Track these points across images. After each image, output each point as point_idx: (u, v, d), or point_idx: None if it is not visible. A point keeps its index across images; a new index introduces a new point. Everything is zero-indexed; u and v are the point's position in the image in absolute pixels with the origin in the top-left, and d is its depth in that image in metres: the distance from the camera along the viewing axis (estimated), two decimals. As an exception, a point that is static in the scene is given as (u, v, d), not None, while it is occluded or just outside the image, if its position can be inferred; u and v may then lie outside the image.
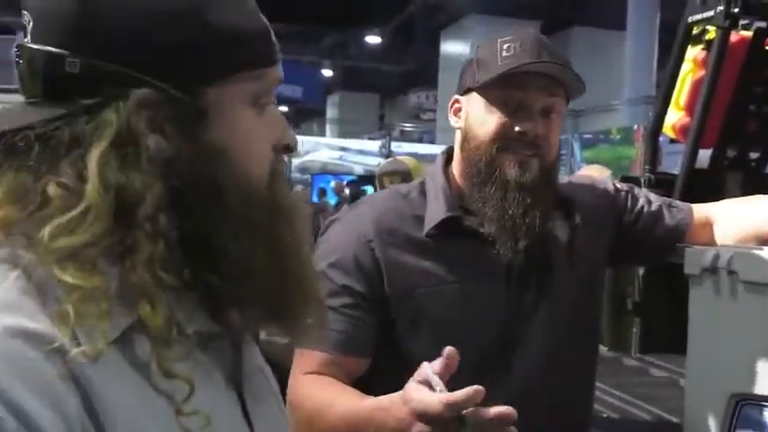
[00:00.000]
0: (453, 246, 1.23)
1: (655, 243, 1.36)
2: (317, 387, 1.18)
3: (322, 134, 19.61)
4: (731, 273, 1.17)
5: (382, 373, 1.19)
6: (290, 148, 0.72)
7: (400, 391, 0.99)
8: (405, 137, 16.24)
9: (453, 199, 1.26)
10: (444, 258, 1.23)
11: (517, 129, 1.21)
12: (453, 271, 1.23)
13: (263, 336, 2.76)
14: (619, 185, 1.42)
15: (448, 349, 0.94)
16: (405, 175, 3.57)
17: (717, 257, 1.19)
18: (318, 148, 12.91)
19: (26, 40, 0.63)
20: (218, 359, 0.68)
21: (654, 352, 1.99)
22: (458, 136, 1.30)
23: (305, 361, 1.20)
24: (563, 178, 1.42)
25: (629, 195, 1.38)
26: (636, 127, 8.98)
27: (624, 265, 1.79)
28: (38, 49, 0.61)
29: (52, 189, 0.58)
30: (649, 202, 1.37)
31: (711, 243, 1.32)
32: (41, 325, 0.55)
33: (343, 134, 17.03)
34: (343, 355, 1.19)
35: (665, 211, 1.36)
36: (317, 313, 0.73)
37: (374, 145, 13.58)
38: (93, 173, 0.58)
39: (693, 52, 2.16)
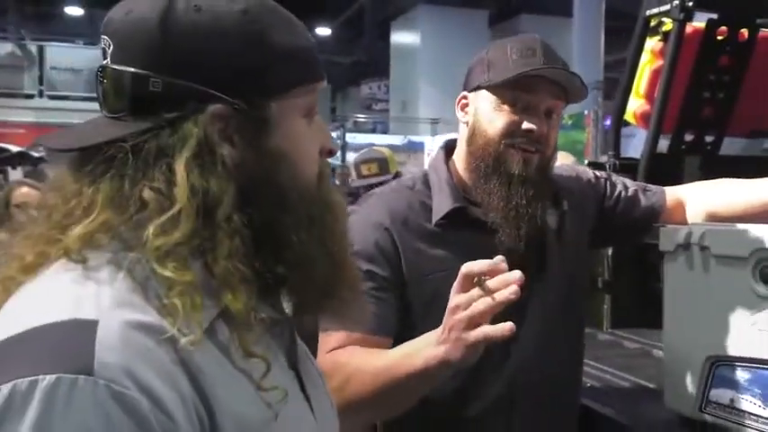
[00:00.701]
0: (459, 234, 1.33)
1: (633, 224, 1.48)
2: (347, 354, 1.24)
3: (274, 127, 19.48)
4: (703, 248, 1.29)
5: None
6: (332, 152, 0.81)
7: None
8: (358, 128, 16.26)
9: (457, 191, 1.36)
10: (452, 246, 1.32)
11: (524, 127, 1.31)
12: (461, 257, 1.31)
13: None
14: (598, 174, 1.54)
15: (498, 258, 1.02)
16: (381, 162, 3.64)
17: (690, 234, 1.31)
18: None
19: (107, 61, 0.70)
20: (280, 343, 0.77)
21: (624, 327, 2.11)
22: (463, 130, 1.39)
23: (331, 341, 1.26)
24: None
25: (608, 182, 1.50)
26: (586, 112, 9.18)
27: (606, 245, 1.91)
28: (123, 71, 0.69)
29: (147, 193, 0.66)
30: (626, 188, 1.50)
31: (683, 222, 1.45)
32: (152, 318, 0.63)
33: (296, 127, 16.93)
34: (372, 335, 1.25)
35: (641, 195, 1.49)
36: (359, 297, 0.83)
37: (329, 137, 13.58)
38: (181, 179, 0.66)
39: (651, 43, 2.29)
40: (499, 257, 1.02)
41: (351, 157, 12.03)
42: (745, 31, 2.22)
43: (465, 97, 1.40)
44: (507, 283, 1.01)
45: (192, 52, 0.69)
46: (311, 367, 0.85)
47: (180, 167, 0.66)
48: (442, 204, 1.34)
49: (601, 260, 2.25)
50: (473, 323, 1.02)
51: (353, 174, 3.90)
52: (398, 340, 1.30)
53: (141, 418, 0.58)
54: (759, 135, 2.42)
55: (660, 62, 2.23)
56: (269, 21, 0.72)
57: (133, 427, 0.57)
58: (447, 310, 1.05)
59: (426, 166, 1.51)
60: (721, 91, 2.29)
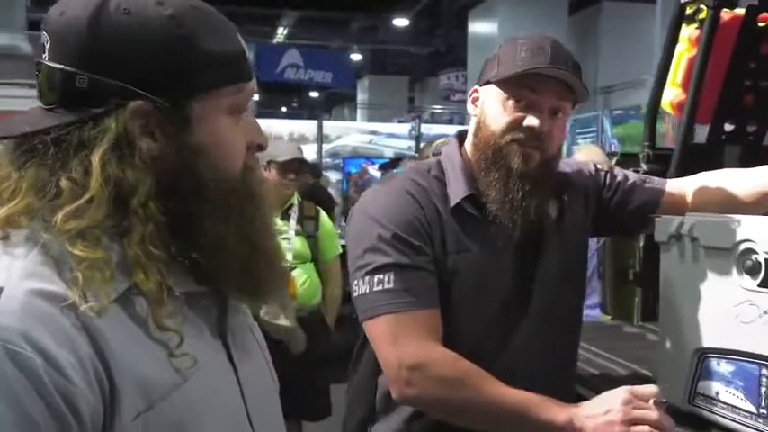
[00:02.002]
0: (473, 221, 1.37)
1: (631, 215, 1.48)
2: (461, 360, 1.28)
3: (353, 119, 19.68)
4: (693, 239, 1.28)
5: None
6: (262, 147, 0.87)
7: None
8: (435, 119, 16.24)
9: (469, 178, 1.39)
10: (465, 231, 1.36)
11: (526, 123, 1.34)
12: (472, 243, 1.36)
13: (266, 317, 2.94)
14: (599, 166, 1.54)
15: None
16: None
17: (681, 225, 1.30)
18: (349, 133, 12.96)
19: (44, 57, 0.78)
20: (206, 315, 0.84)
21: (654, 319, 2.08)
22: (472, 123, 1.43)
23: (409, 324, 1.29)
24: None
25: (608, 174, 1.51)
26: (664, 102, 8.87)
27: (607, 235, 1.90)
28: (54, 67, 0.76)
29: (64, 182, 0.74)
30: (626, 179, 1.50)
31: (683, 213, 1.43)
32: (57, 287, 0.70)
33: (373, 118, 17.09)
34: (435, 308, 1.31)
35: (640, 187, 1.48)
36: (280, 282, 0.89)
37: (404, 128, 13.62)
38: (95, 169, 0.73)
39: (688, 31, 2.23)
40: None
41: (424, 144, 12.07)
42: (788, 18, 2.14)
43: (476, 91, 1.43)
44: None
45: (118, 52, 0.75)
46: (251, 340, 0.92)
47: (96, 159, 0.74)
48: (456, 191, 1.38)
49: (632, 252, 2.23)
50: (634, 421, 1.14)
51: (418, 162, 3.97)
52: None
53: (34, 374, 0.65)
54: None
55: (697, 50, 2.17)
56: (195, 25, 0.78)
57: (25, 381, 0.65)
58: (617, 402, 1.17)
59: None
60: (764, 79, 2.21)
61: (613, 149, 8.98)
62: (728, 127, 2.28)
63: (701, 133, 2.32)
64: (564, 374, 1.46)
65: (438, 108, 16.72)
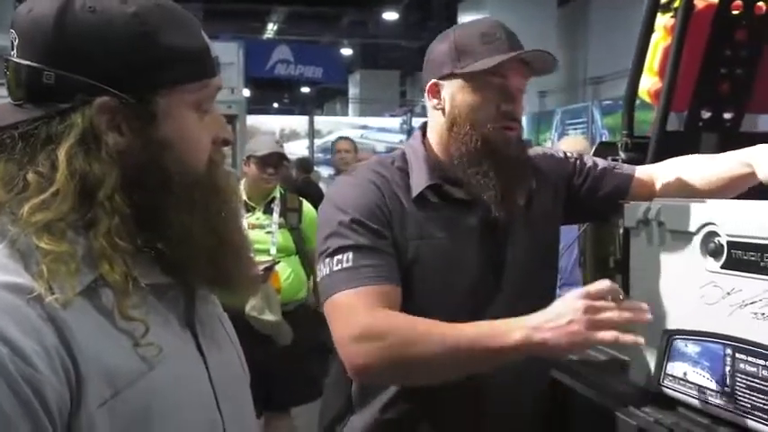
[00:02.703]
0: (436, 210, 1.39)
1: (601, 201, 1.51)
2: (402, 316, 1.27)
3: (345, 113, 19.69)
4: (660, 223, 1.30)
5: None
6: (227, 142, 0.90)
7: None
8: (426, 112, 16.27)
9: (433, 169, 1.41)
10: (429, 219, 1.39)
11: (503, 109, 1.38)
12: (438, 229, 1.38)
13: (252, 312, 2.96)
14: (568, 153, 1.57)
15: None
16: None
17: (648, 210, 1.33)
18: (340, 128, 13.01)
19: (13, 54, 0.80)
20: (173, 306, 0.86)
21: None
22: (437, 116, 1.44)
23: (363, 298, 1.28)
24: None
25: (578, 161, 1.53)
26: (653, 91, 8.91)
27: (578, 221, 1.93)
28: (21, 63, 0.78)
29: (31, 176, 0.76)
30: (595, 166, 1.52)
31: (652, 199, 1.46)
32: (23, 280, 0.73)
33: (365, 112, 17.10)
34: (395, 285, 1.32)
35: (609, 173, 1.51)
36: (247, 273, 0.92)
37: (395, 122, 13.66)
38: (62, 163, 0.76)
39: (663, 20, 2.26)
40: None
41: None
42: (762, 5, 2.16)
43: (436, 84, 1.43)
44: (640, 310, 1.17)
45: (83, 49, 0.77)
46: (219, 330, 0.94)
47: (62, 153, 0.76)
48: (419, 181, 1.40)
49: (612, 239, 2.25)
50: (595, 327, 1.14)
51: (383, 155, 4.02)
52: None
53: None
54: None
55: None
56: (158, 22, 0.80)
57: None
58: (569, 302, 1.17)
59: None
60: (739, 66, 2.23)
61: (604, 140, 9.02)
62: (705, 114, 2.30)
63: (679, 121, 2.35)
64: (538, 360, 1.48)
65: (429, 101, 16.72)
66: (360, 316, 1.26)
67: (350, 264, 1.29)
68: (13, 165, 0.77)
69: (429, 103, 1.46)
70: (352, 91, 19.93)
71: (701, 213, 1.21)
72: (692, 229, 1.22)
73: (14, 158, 0.77)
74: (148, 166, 0.81)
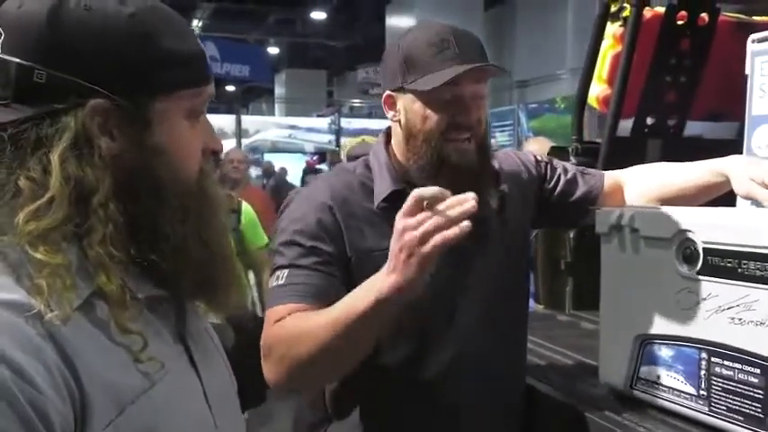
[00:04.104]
0: None
1: (571, 207, 1.52)
2: (286, 324, 1.27)
3: (271, 113, 19.50)
4: (634, 230, 1.33)
5: None
6: (216, 152, 0.87)
7: None
8: (354, 113, 16.27)
9: (397, 174, 1.40)
10: (393, 227, 1.36)
11: (458, 120, 1.35)
12: None
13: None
14: (539, 158, 1.58)
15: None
16: None
17: (621, 216, 1.35)
18: (268, 127, 12.89)
19: None
20: (165, 319, 0.83)
21: (585, 308, 2.15)
22: (396, 127, 1.42)
23: (277, 314, 1.29)
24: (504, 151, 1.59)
25: (549, 166, 1.54)
26: (578, 96, 9.18)
27: (548, 226, 1.95)
28: (9, 60, 0.73)
29: (23, 182, 0.71)
30: (566, 171, 1.54)
31: (621, 205, 1.49)
32: (19, 296, 0.68)
33: (291, 112, 16.98)
34: (318, 305, 1.28)
35: (580, 179, 1.53)
36: (236, 286, 0.89)
37: (324, 122, 13.61)
38: (55, 168, 0.71)
39: (612, 29, 2.31)
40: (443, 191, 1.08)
41: (346, 141, 12.13)
42: (705, 16, 2.24)
43: (391, 96, 1.41)
44: (461, 201, 1.07)
45: (77, 48, 0.73)
46: (208, 343, 0.91)
47: (55, 157, 0.71)
48: (382, 187, 1.39)
49: (563, 243, 2.29)
50: (424, 241, 1.07)
51: (345, 162, 4.00)
52: None
53: (2, 385, 0.63)
54: (718, 119, 2.45)
55: (621, 47, 2.25)
56: (156, 25, 0.77)
57: None
58: (394, 235, 1.11)
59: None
60: (683, 75, 2.31)
61: (554, 144, 9.28)
62: (650, 121, 2.37)
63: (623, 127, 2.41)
64: (514, 363, 1.50)
65: (357, 102, 16.73)
66: (263, 334, 1.30)
67: (282, 282, 1.32)
68: (2, 169, 0.72)
69: (387, 113, 1.44)
70: (279, 90, 19.75)
71: (676, 220, 1.24)
72: (668, 235, 1.25)
73: (4, 162, 0.72)
74: (141, 173, 0.77)
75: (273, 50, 18.46)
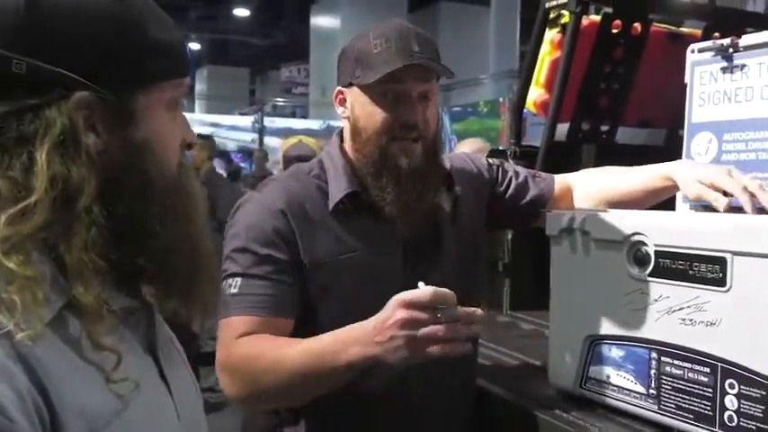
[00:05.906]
0: (356, 219, 1.36)
1: (522, 209, 1.54)
2: (255, 345, 1.25)
3: (191, 110, 19.07)
4: (584, 233, 1.35)
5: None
6: (191, 146, 0.83)
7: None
8: (277, 111, 16.11)
9: (351, 176, 1.38)
10: (349, 230, 1.35)
11: (403, 119, 1.33)
12: (357, 242, 1.35)
13: None
14: (491, 161, 1.59)
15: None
16: (311, 159, 3.66)
17: (572, 219, 1.37)
18: (190, 125, 12.60)
19: None
20: (136, 330, 0.78)
21: (522, 309, 2.19)
22: (346, 125, 1.41)
23: (234, 327, 1.28)
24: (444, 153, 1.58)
25: (500, 169, 1.56)
26: (501, 100, 9.40)
27: (499, 228, 1.98)
28: None
29: (2, 182, 0.65)
30: (517, 174, 1.56)
31: (571, 208, 1.52)
32: None
33: (213, 110, 16.67)
34: (274, 316, 1.28)
35: (531, 182, 1.55)
36: (217, 283, 0.85)
37: (247, 120, 13.41)
38: (41, 169, 0.65)
39: (551, 35, 2.36)
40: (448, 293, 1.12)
41: (269, 141, 11.97)
42: (638, 25, 2.32)
43: (341, 92, 1.41)
44: (472, 318, 1.11)
45: (60, 37, 0.68)
46: (174, 353, 0.87)
47: (41, 157, 0.66)
48: (337, 190, 1.37)
49: (501, 244, 2.32)
50: (422, 342, 1.10)
51: (281, 165, 3.95)
52: (299, 321, 1.32)
53: None
54: (647, 125, 2.53)
55: (559, 53, 2.30)
56: (142, 12, 0.73)
57: None
58: (391, 316, 1.11)
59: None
60: (616, 82, 2.38)
61: (452, 145, 9.39)
62: (585, 126, 2.43)
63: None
64: (465, 366, 1.50)
65: (280, 101, 16.57)
66: (223, 346, 1.29)
67: (236, 290, 1.30)
68: None
69: (337, 110, 1.43)
70: (199, 87, 19.35)
71: (628, 223, 1.27)
72: (620, 238, 1.28)
73: None
74: (127, 170, 0.72)
75: (194, 46, 18.08)
